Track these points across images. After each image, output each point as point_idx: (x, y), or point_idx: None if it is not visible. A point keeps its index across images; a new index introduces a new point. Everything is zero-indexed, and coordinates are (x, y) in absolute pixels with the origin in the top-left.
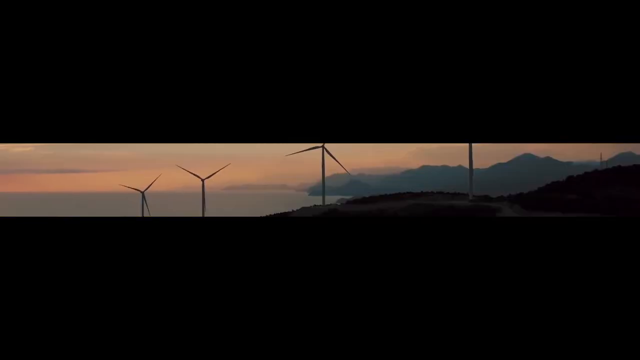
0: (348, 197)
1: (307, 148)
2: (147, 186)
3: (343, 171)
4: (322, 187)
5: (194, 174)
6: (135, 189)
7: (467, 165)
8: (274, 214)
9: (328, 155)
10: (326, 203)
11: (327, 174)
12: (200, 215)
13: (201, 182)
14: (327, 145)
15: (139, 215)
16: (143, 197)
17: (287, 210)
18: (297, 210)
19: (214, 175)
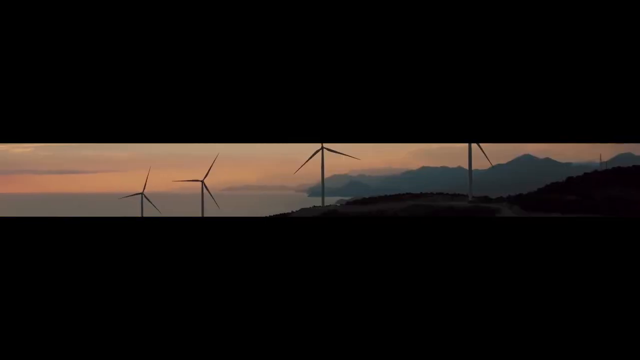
0: (347, 198)
1: (310, 156)
2: (144, 186)
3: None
4: (322, 188)
5: (192, 180)
6: (135, 194)
7: (466, 166)
8: (274, 215)
9: (330, 153)
10: (326, 204)
11: (326, 175)
12: (200, 215)
13: (201, 184)
14: (326, 145)
15: (139, 215)
16: (145, 198)
17: (286, 211)
18: (296, 211)
19: (211, 174)
